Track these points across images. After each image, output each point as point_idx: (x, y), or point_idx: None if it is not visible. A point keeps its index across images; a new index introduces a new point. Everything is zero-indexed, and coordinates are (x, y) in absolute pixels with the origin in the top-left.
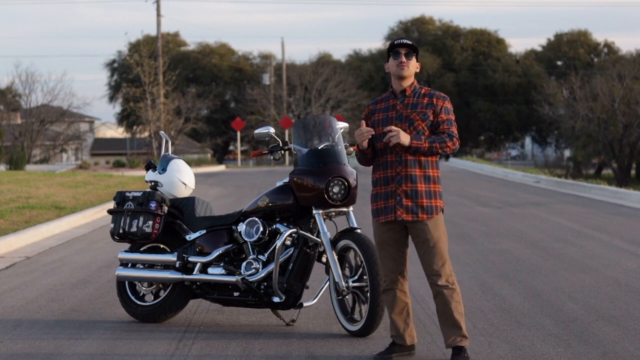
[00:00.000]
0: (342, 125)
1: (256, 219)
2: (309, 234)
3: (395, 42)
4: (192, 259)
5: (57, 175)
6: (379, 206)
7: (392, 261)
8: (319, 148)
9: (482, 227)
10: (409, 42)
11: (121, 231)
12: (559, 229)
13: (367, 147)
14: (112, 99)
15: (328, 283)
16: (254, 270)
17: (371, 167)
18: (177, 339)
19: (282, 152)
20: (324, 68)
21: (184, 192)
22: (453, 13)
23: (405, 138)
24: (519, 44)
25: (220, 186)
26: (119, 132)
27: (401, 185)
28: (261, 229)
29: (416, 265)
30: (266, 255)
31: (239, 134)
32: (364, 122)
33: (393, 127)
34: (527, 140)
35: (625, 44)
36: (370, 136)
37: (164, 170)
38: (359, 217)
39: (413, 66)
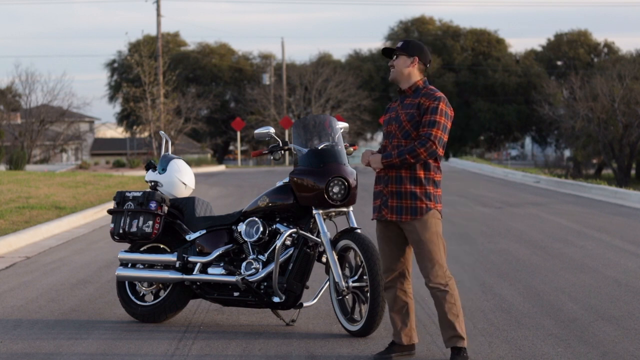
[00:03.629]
0: (342, 125)
1: (256, 219)
2: (309, 234)
3: (382, 52)
4: (192, 259)
5: (57, 175)
6: (373, 204)
7: (390, 258)
8: (319, 148)
9: (482, 227)
10: (387, 47)
11: (121, 231)
12: (559, 229)
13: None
14: (112, 99)
15: (328, 283)
16: (254, 270)
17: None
18: (177, 339)
19: (282, 152)
20: (324, 68)
21: (184, 192)
22: (453, 13)
23: (376, 162)
24: (519, 44)
25: (220, 186)
26: (119, 132)
27: (387, 186)
28: (261, 229)
29: (415, 265)
30: (266, 255)
31: (239, 134)
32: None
33: (364, 158)
34: (527, 140)
35: (625, 44)
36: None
37: (164, 170)
38: (359, 217)
39: (401, 65)
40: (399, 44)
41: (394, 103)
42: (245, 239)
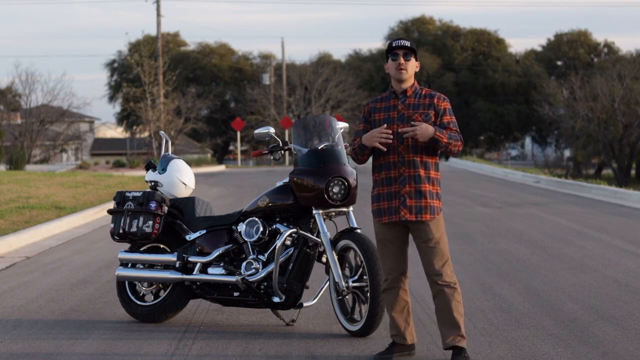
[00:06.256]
0: (342, 125)
1: (256, 219)
2: (309, 234)
3: (393, 44)
4: (192, 259)
5: (57, 175)
6: (381, 206)
7: (394, 260)
8: (319, 148)
9: (482, 227)
10: (406, 43)
11: (121, 231)
12: (559, 229)
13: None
14: (112, 99)
15: (328, 283)
16: (254, 270)
17: (366, 166)
18: (177, 339)
19: (282, 152)
20: (324, 68)
21: (184, 192)
22: (453, 13)
23: (426, 133)
24: (519, 44)
25: (220, 186)
26: (118, 132)
27: (405, 186)
28: (261, 229)
29: (416, 265)
30: (266, 255)
31: (239, 134)
32: (385, 125)
33: (414, 123)
34: (527, 140)
35: (625, 44)
36: (389, 140)
37: (164, 170)
38: (359, 217)
39: (412, 67)
40: (409, 44)
41: (381, 103)
42: (245, 239)
